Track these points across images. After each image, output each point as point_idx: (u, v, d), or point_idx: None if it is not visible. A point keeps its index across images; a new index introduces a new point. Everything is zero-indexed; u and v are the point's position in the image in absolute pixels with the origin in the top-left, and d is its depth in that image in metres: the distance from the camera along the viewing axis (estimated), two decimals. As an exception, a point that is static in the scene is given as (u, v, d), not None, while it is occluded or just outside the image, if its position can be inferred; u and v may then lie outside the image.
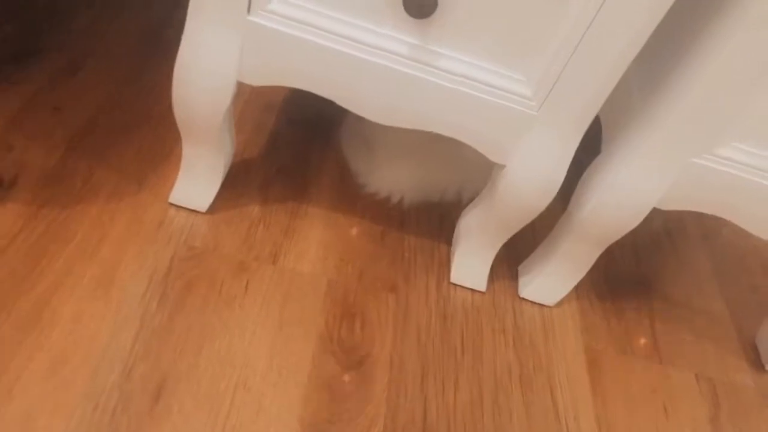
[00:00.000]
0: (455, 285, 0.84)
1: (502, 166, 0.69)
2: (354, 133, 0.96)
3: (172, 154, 0.85)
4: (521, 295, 0.86)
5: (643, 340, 0.88)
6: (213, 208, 0.81)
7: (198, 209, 0.79)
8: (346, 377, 0.71)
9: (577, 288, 0.88)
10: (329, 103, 1.04)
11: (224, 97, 0.66)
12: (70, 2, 1.00)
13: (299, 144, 0.94)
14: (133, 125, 0.87)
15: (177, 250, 0.75)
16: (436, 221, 0.92)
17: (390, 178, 0.92)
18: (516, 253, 0.90)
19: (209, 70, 0.63)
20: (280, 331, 0.72)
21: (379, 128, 0.97)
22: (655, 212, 0.74)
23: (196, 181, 0.77)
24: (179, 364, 0.66)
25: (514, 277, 0.88)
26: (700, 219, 1.11)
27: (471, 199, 0.95)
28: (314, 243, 0.82)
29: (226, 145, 0.75)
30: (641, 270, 0.98)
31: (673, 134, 0.64)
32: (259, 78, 0.64)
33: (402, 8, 0.57)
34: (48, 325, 0.65)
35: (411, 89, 0.63)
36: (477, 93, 0.62)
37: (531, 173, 0.68)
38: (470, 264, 0.82)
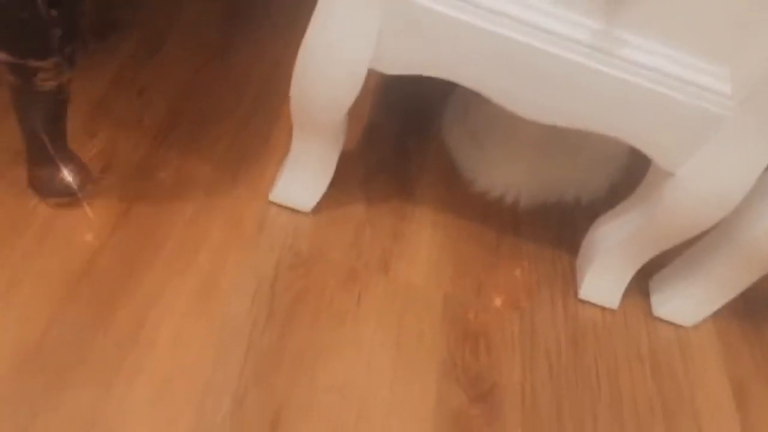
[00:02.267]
0: (583, 301, 0.75)
1: (669, 174, 0.59)
2: (459, 124, 0.86)
3: (269, 144, 0.75)
4: (656, 314, 0.76)
5: (790, 369, 0.78)
6: (316, 209, 0.72)
7: (302, 209, 0.70)
8: (475, 410, 0.62)
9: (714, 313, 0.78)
10: (428, 89, 0.95)
11: (353, 89, 0.56)
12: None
13: (399, 135, 0.85)
14: (223, 111, 0.78)
15: (282, 256, 0.67)
16: (554, 226, 0.82)
17: (502, 176, 0.81)
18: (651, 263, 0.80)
19: (340, 56, 0.54)
20: (399, 353, 0.63)
21: (488, 120, 0.88)
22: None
23: (303, 177, 0.68)
24: (294, 392, 0.58)
25: (645, 291, 0.78)
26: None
27: (590, 202, 0.86)
28: (425, 249, 0.73)
29: (340, 138, 0.66)
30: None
31: None
32: (398, 65, 0.55)
33: (591, -16, 0.46)
34: (147, 346, 0.57)
35: (581, 82, 0.52)
36: (663, 89, 0.52)
37: (708, 185, 0.57)
38: (604, 280, 0.72)
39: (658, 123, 0.54)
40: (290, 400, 0.57)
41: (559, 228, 0.82)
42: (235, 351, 0.59)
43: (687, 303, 0.74)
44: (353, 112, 0.87)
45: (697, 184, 0.58)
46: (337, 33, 0.53)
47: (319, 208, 0.72)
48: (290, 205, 0.70)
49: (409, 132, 0.86)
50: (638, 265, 0.70)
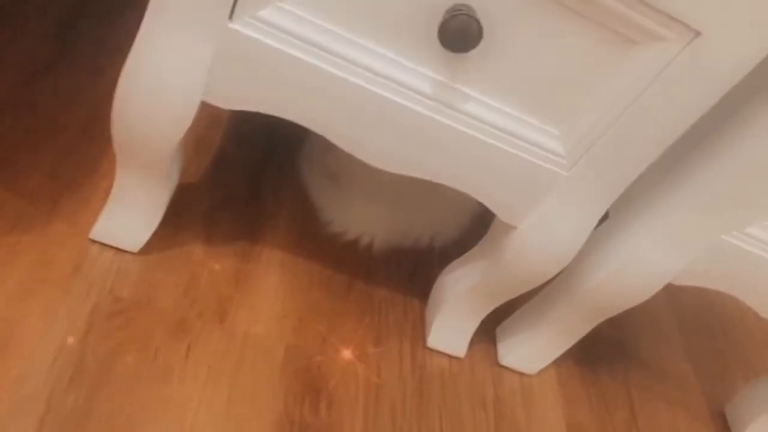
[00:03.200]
0: (431, 350, 0.73)
1: (511, 228, 0.59)
2: (317, 161, 0.83)
3: (97, 173, 0.67)
4: (501, 363, 0.76)
5: (622, 414, 0.81)
6: (146, 247, 0.65)
7: (128, 248, 0.63)
8: (311, 473, 0.58)
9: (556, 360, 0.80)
10: (287, 121, 0.91)
11: (182, 121, 0.51)
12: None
13: (251, 168, 0.80)
14: (47, 133, 0.69)
15: (99, 303, 0.59)
16: (407, 271, 0.80)
17: (358, 218, 0.79)
18: (491, 312, 0.81)
19: (168, 84, 0.48)
20: (229, 413, 0.58)
21: (346, 161, 0.85)
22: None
23: (129, 214, 0.61)
24: (97, 465, 0.51)
25: (491, 339, 0.78)
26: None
27: (444, 247, 0.85)
28: (270, 296, 0.68)
29: (173, 174, 0.60)
30: (613, 330, 0.91)
31: (709, 208, 0.57)
32: (232, 100, 0.50)
33: (432, 36, 0.45)
34: None
35: (423, 133, 0.51)
36: (502, 144, 0.52)
37: (546, 239, 0.58)
38: (452, 328, 0.72)
39: (498, 178, 0.54)
40: (92, 475, 0.50)
41: (412, 273, 0.80)
42: (30, 416, 0.50)
43: (530, 351, 0.75)
44: (202, 141, 0.82)
45: (536, 237, 0.58)
46: (161, 60, 0.47)
47: (149, 248, 0.65)
48: (114, 244, 0.62)
49: (265, 164, 0.81)
50: (483, 314, 0.70)
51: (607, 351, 0.88)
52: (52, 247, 0.60)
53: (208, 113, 0.83)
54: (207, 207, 0.72)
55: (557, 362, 0.80)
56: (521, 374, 0.77)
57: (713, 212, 0.57)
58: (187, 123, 0.51)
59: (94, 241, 0.62)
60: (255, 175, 0.79)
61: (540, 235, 0.58)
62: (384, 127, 0.51)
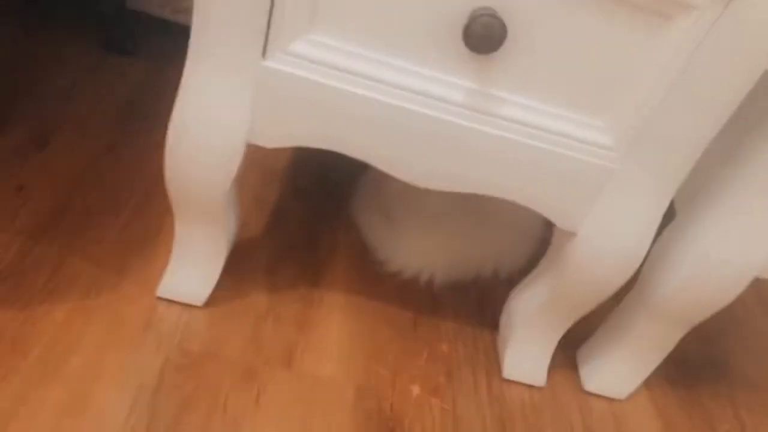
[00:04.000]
0: (508, 381, 0.70)
1: (571, 235, 0.56)
2: (370, 203, 0.84)
3: (160, 238, 0.70)
4: (586, 389, 0.71)
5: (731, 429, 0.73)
6: (211, 301, 0.66)
7: (193, 303, 0.64)
8: None
9: (646, 382, 0.75)
10: (338, 170, 0.93)
11: (230, 164, 0.53)
12: (39, 66, 0.89)
13: (307, 218, 0.81)
14: (112, 206, 0.73)
15: (169, 356, 0.60)
16: (474, 303, 0.78)
17: (416, 254, 0.78)
18: (568, 335, 0.76)
19: (213, 130, 0.51)
20: (304, 457, 0.56)
21: (399, 196, 0.86)
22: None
23: (192, 268, 0.63)
24: None
25: (572, 365, 0.74)
26: (756, 287, 0.99)
27: (510, 275, 0.83)
28: (335, 338, 0.67)
29: (229, 223, 0.61)
30: (709, 349, 0.84)
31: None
32: (276, 138, 0.52)
33: (458, 44, 0.46)
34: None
35: (464, 144, 0.51)
36: (545, 145, 0.50)
37: (609, 242, 0.55)
38: (527, 355, 0.68)
39: (546, 181, 0.52)
40: None
41: (478, 305, 0.78)
42: (106, 472, 0.51)
43: (616, 374, 0.70)
44: (258, 198, 0.84)
45: (598, 241, 0.55)
46: (205, 107, 0.50)
47: (214, 300, 0.66)
48: (180, 299, 0.64)
49: (319, 215, 0.82)
50: (558, 336, 0.67)
51: (703, 369, 0.80)
52: (123, 307, 0.63)
53: (263, 168, 0.87)
54: (267, 258, 0.74)
55: (649, 385, 0.75)
56: (610, 400, 0.72)
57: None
58: (235, 166, 0.53)
59: (161, 299, 0.64)
60: (311, 224, 0.80)
61: (602, 238, 0.55)
62: (427, 145, 0.51)
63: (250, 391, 0.60)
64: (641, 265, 0.64)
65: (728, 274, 0.58)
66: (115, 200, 0.73)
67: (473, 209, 0.79)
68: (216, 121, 0.51)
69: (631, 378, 0.70)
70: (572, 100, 0.49)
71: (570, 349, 0.75)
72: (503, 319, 0.71)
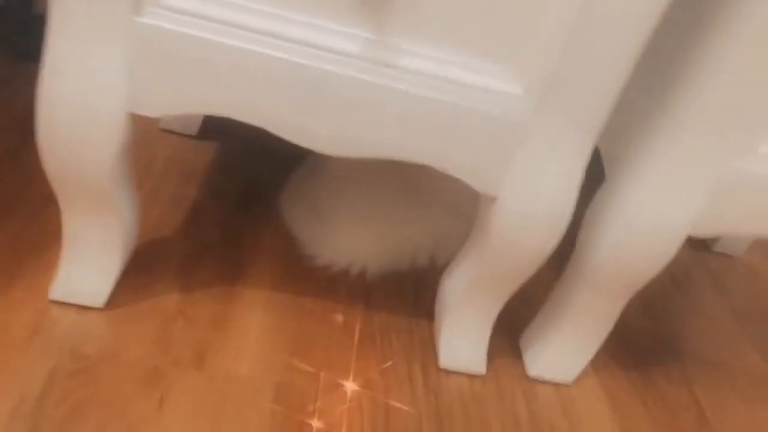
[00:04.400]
0: (447, 371, 0.65)
1: (492, 199, 0.53)
2: (298, 199, 0.79)
3: (58, 244, 0.64)
4: (530, 374, 0.67)
5: (688, 415, 0.69)
6: (113, 303, 0.60)
7: (91, 305, 0.58)
8: None
9: (592, 359, 0.71)
10: (262, 171, 0.89)
11: (111, 137, 0.48)
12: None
13: (228, 219, 0.76)
14: (5, 209, 0.67)
15: (59, 362, 0.54)
16: (410, 293, 0.73)
17: (345, 246, 0.74)
18: (511, 321, 0.72)
19: (87, 100, 0.46)
20: (212, 463, 0.50)
21: (327, 189, 0.81)
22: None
23: (86, 265, 0.57)
24: None
25: (516, 353, 0.69)
26: (705, 262, 0.97)
27: (448, 262, 0.78)
28: (254, 336, 0.62)
29: (124, 210, 0.56)
30: (659, 328, 0.81)
31: (704, 135, 0.50)
32: (159, 105, 0.47)
33: (346, -13, 0.42)
34: None
35: (367, 102, 0.47)
36: (451, 97, 0.47)
37: (531, 203, 0.52)
38: (462, 340, 0.63)
39: (457, 139, 0.49)
40: None
41: (415, 296, 0.73)
42: (-28, 493, 0.44)
43: (560, 356, 0.66)
44: (175, 196, 0.79)
45: (519, 202, 0.52)
46: (76, 75, 0.45)
47: (116, 302, 0.60)
48: (75, 301, 0.58)
49: (243, 214, 0.77)
50: (492, 315, 0.62)
51: (654, 350, 0.77)
52: (9, 313, 0.56)
53: (180, 170, 0.82)
54: (180, 258, 0.68)
55: (597, 368, 0.70)
56: (557, 385, 0.67)
57: (716, 134, 0.50)
58: (116, 139, 0.48)
59: (54, 302, 0.58)
60: (234, 225, 0.75)
61: (522, 198, 0.51)
62: (326, 104, 0.47)
63: (153, 395, 0.53)
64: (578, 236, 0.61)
65: (660, 234, 0.55)
66: (10, 205, 0.68)
67: (406, 195, 0.75)
68: (90, 90, 0.46)
69: (576, 359, 0.66)
70: (474, 46, 0.46)
71: (513, 336, 0.71)
72: (437, 306, 0.67)
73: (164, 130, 0.86)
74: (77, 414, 0.50)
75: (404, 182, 0.75)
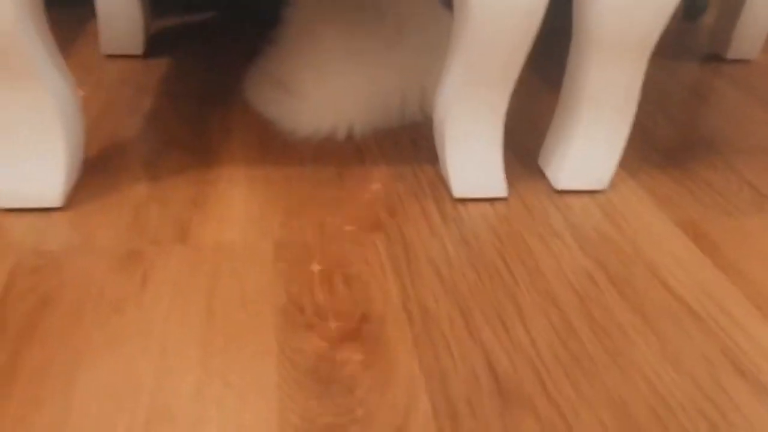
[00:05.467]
0: (463, 200, 0.57)
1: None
2: (261, 80, 0.71)
3: None
4: (558, 188, 0.59)
5: (744, 195, 0.61)
6: (74, 203, 0.53)
7: (48, 204, 0.51)
8: (342, 354, 0.41)
9: (625, 167, 0.63)
10: (217, 76, 0.80)
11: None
12: None
13: (191, 115, 0.68)
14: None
15: (20, 261, 0.46)
16: (407, 144, 0.66)
17: (324, 111, 0.66)
18: (523, 149, 0.64)
19: None
20: (210, 324, 0.43)
21: (290, 62, 0.72)
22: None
23: (30, 158, 0.49)
24: (40, 415, 0.36)
25: (537, 175, 0.61)
26: (721, 70, 0.88)
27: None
28: (240, 206, 0.54)
29: (55, 81, 0.48)
30: (689, 132, 0.72)
31: None
32: None
33: None
34: None
35: None
36: None
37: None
38: (474, 163, 0.55)
39: None
40: (37, 424, 0.35)
41: (412, 145, 0.65)
42: (-69, 395, 0.37)
43: (585, 161, 0.58)
44: (131, 105, 0.71)
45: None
46: None
47: (77, 201, 0.53)
48: (26, 204, 0.50)
49: (205, 109, 0.69)
50: (498, 125, 0.54)
51: (687, 147, 0.68)
52: (-44, 230, 0.49)
53: (134, 84, 0.74)
54: (146, 153, 0.60)
55: (632, 172, 0.63)
56: (591, 193, 0.59)
57: None
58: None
59: (4, 211, 0.51)
60: (197, 118, 0.67)
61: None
62: None
63: (133, 274, 0.46)
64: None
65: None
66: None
67: (373, 42, 0.67)
68: None
69: (604, 161, 0.58)
70: None
71: (528, 162, 0.63)
72: (436, 139, 0.59)
73: (109, 56, 0.79)
74: (47, 302, 0.43)
75: (367, 30, 0.67)
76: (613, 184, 0.61)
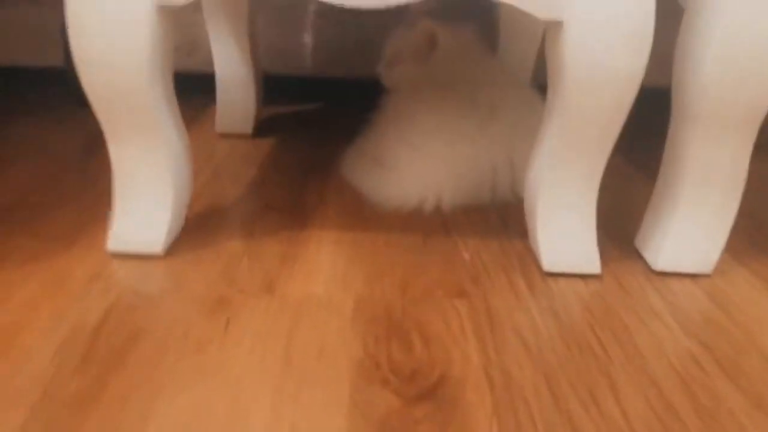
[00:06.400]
0: (553, 274, 0.55)
1: (556, 27, 0.46)
2: (358, 157, 0.74)
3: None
4: (657, 269, 0.55)
5: None
6: (174, 252, 0.56)
7: (151, 251, 0.55)
8: (418, 412, 0.39)
9: (731, 252, 0.58)
10: (320, 154, 0.85)
11: (141, 33, 0.46)
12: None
13: (290, 186, 0.72)
14: (70, 197, 0.66)
15: (118, 299, 0.49)
16: (495, 220, 0.65)
17: (414, 184, 0.67)
18: (619, 232, 0.62)
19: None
20: (288, 369, 0.42)
21: (387, 140, 0.76)
22: None
23: (139, 206, 0.54)
24: (107, 443, 0.36)
25: (635, 258, 0.58)
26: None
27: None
28: (326, 265, 0.55)
29: (171, 136, 0.53)
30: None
31: None
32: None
33: None
34: None
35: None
36: None
37: (604, 20, 0.45)
38: (566, 235, 0.54)
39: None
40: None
41: (501, 220, 0.65)
42: (20, 406, 0.38)
43: (689, 240, 0.54)
44: (235, 173, 0.75)
45: (591, 24, 0.45)
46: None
47: (177, 251, 0.56)
48: (135, 250, 0.54)
49: (304, 182, 0.73)
50: (591, 197, 0.52)
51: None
52: (70, 266, 0.53)
53: (240, 152, 0.80)
54: (245, 215, 0.64)
55: (741, 259, 0.58)
56: (694, 277, 0.55)
57: None
58: (148, 36, 0.46)
59: (114, 255, 0.55)
60: (296, 189, 0.71)
61: (594, 17, 0.45)
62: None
63: (218, 318, 0.47)
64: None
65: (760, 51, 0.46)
66: (73, 194, 0.67)
67: (468, 120, 0.69)
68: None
69: (709, 241, 0.54)
70: None
71: (624, 244, 0.60)
72: (527, 210, 0.58)
73: (222, 135, 0.86)
74: (135, 340, 0.44)
75: (460, 112, 0.69)
76: (719, 269, 0.56)
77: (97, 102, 0.49)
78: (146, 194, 0.54)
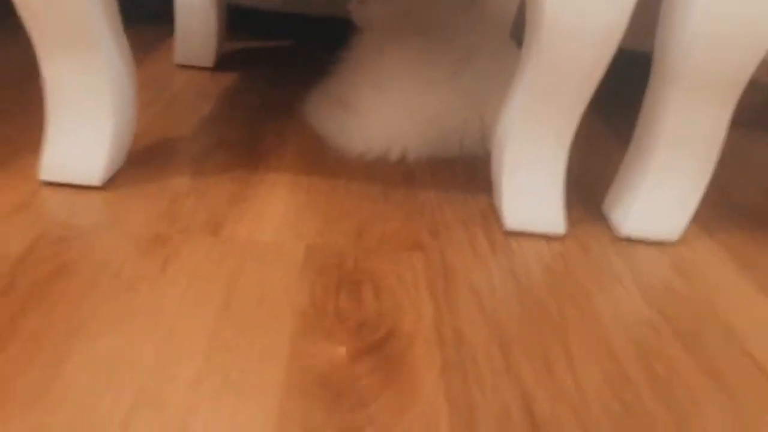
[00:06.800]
0: (515, 233, 0.53)
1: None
2: (322, 98, 0.70)
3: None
4: (622, 234, 0.54)
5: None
6: (114, 184, 0.52)
7: (87, 183, 0.50)
8: (361, 367, 0.36)
9: (700, 223, 0.57)
10: (281, 92, 0.80)
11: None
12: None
13: (247, 122, 0.67)
14: (3, 119, 0.61)
15: (46, 230, 0.45)
16: (461, 174, 0.62)
17: (380, 131, 0.63)
18: (587, 194, 0.59)
19: None
20: (226, 315, 0.39)
21: (352, 83, 0.71)
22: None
23: (76, 133, 0.49)
24: (30, 374, 0.33)
25: (601, 222, 0.56)
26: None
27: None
28: (278, 209, 0.52)
29: (113, 60, 0.48)
30: (775, 200, 0.66)
31: None
32: None
33: None
34: None
35: None
36: None
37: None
38: (531, 194, 0.51)
39: None
40: (21, 385, 0.32)
41: (466, 174, 0.62)
42: None
43: (656, 202, 0.52)
44: (190, 108, 0.71)
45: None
46: None
47: (117, 183, 0.52)
48: (69, 179, 0.49)
49: (262, 119, 0.68)
50: (560, 156, 0.49)
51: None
52: (-5, 195, 0.49)
53: (196, 91, 0.75)
54: (196, 150, 0.60)
55: (710, 231, 0.57)
56: (660, 245, 0.53)
57: None
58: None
59: (46, 184, 0.50)
60: (253, 126, 0.66)
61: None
62: None
63: (155, 258, 0.44)
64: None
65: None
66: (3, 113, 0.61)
67: (438, 67, 0.65)
68: None
69: (677, 208, 0.53)
70: None
71: (591, 208, 0.58)
72: (493, 164, 0.55)
73: (180, 66, 0.81)
74: (59, 275, 0.41)
75: (433, 57, 0.65)
76: (686, 238, 0.55)
77: (26, 12, 0.44)
78: (83, 120, 0.49)
